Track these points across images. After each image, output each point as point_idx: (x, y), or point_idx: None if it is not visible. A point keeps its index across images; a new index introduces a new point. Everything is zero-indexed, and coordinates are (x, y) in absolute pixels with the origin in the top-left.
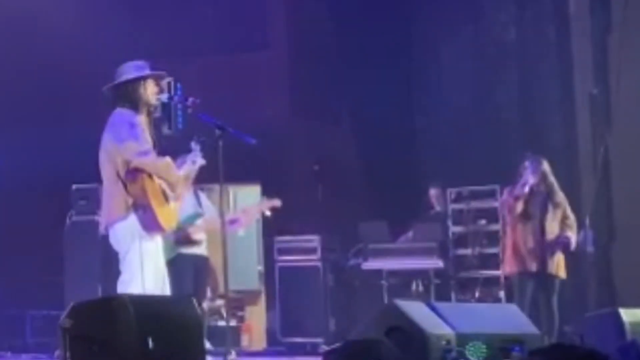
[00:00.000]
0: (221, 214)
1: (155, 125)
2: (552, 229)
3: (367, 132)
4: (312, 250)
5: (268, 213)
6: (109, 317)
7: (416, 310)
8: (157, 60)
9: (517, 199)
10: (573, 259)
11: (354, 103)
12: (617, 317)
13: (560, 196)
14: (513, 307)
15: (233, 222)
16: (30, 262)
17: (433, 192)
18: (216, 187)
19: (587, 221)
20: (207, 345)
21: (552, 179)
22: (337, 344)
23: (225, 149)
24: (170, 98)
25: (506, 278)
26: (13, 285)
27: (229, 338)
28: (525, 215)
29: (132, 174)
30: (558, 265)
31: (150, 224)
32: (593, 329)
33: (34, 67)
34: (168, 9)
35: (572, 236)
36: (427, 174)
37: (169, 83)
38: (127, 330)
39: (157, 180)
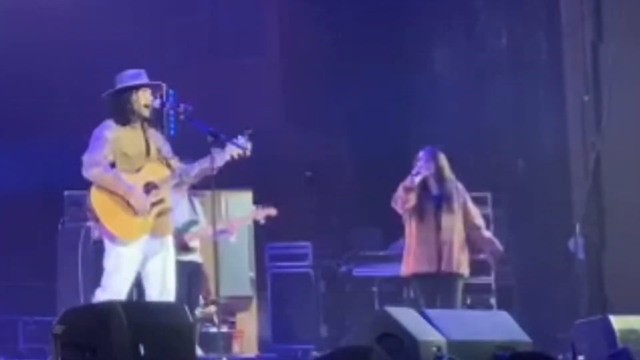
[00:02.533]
0: (213, 221)
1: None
2: (448, 224)
3: (359, 138)
4: (304, 257)
5: (263, 221)
6: (101, 323)
7: (407, 317)
8: (150, 66)
9: (408, 191)
10: (564, 265)
11: (347, 109)
12: (608, 324)
13: (458, 189)
14: (504, 314)
15: (222, 232)
16: (22, 268)
17: None
18: (208, 193)
19: (578, 228)
20: (199, 351)
21: (447, 171)
22: (328, 351)
23: None
24: (163, 104)
25: (405, 279)
26: (5, 291)
27: (220, 344)
28: (419, 211)
29: (88, 188)
30: (459, 263)
31: (106, 235)
32: (584, 336)
33: (24, 74)
34: (161, 15)
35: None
36: None
37: (160, 89)
38: (119, 336)
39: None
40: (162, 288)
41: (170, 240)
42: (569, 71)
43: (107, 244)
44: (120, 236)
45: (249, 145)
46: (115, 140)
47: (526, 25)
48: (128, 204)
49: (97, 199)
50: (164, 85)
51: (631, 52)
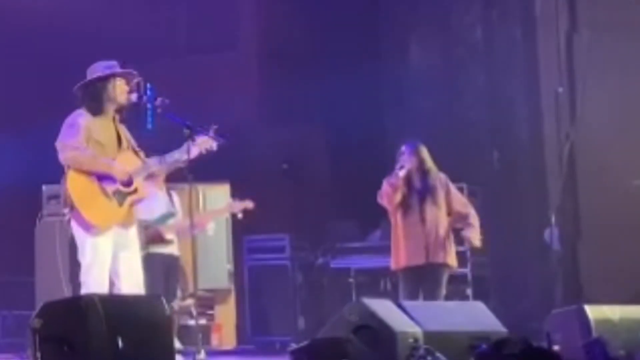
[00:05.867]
0: (190, 214)
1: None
2: (432, 216)
3: (336, 131)
4: (282, 249)
5: (240, 215)
6: (79, 317)
7: (384, 308)
8: (127, 60)
9: (393, 186)
10: (539, 256)
11: (323, 102)
12: (583, 314)
13: (441, 181)
14: (480, 305)
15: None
16: (1, 263)
17: None
18: (185, 186)
19: (553, 218)
20: (177, 344)
21: (429, 164)
22: (306, 342)
23: None
24: (140, 98)
25: (393, 273)
26: None
27: (199, 337)
28: (405, 205)
29: (64, 174)
30: (445, 253)
31: (81, 223)
32: (559, 325)
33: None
34: (137, 9)
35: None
36: None
37: (138, 83)
38: (97, 330)
39: (92, 177)
40: (133, 281)
41: (135, 231)
42: (543, 62)
43: (81, 237)
44: (95, 224)
45: (214, 143)
46: (89, 128)
47: (501, 17)
48: (103, 190)
49: (73, 183)
50: (138, 76)
51: (605, 43)
